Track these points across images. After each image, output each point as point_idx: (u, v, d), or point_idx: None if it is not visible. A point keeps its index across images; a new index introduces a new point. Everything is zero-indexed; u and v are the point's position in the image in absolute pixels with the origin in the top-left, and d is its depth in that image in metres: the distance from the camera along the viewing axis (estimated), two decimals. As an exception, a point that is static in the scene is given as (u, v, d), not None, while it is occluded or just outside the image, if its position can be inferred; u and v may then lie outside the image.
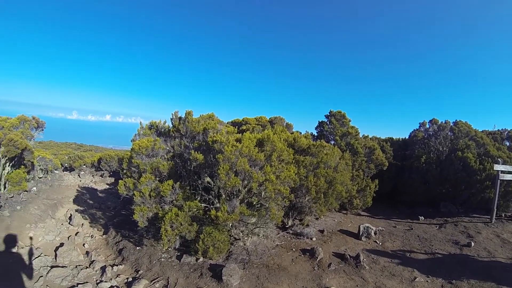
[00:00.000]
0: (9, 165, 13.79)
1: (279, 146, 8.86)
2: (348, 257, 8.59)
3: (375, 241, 9.99)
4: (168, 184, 8.51)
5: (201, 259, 8.43)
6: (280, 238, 9.77)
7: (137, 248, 9.36)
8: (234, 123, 17.89)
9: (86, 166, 24.29)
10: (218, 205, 8.54)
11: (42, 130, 16.24)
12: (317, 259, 8.54)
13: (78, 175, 21.39)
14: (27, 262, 8.91)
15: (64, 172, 22.30)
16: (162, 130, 11.65)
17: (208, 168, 8.90)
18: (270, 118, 18.16)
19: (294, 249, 9.14)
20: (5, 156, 13.27)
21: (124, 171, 10.39)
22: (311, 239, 9.79)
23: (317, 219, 11.41)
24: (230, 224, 8.39)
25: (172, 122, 11.60)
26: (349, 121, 17.11)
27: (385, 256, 8.93)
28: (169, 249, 8.76)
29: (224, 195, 8.58)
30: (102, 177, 21.02)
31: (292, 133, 13.33)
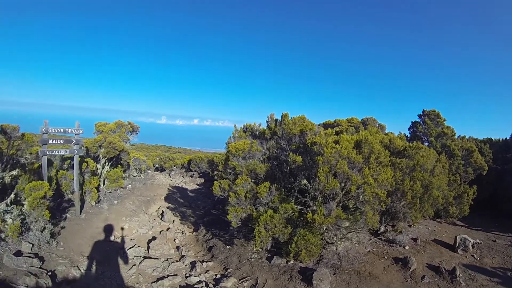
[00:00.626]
0: (108, 165, 14.89)
1: (376, 148, 8.47)
2: (443, 270, 7.82)
3: (472, 255, 8.92)
4: (265, 186, 8.45)
5: (292, 261, 8.29)
6: (372, 244, 9.32)
7: (227, 247, 9.47)
8: (325, 125, 17.56)
9: (176, 167, 25.23)
10: (314, 207, 8.32)
11: (137, 133, 17.26)
12: (410, 270, 7.94)
13: (169, 175, 22.30)
14: (122, 251, 9.52)
15: (155, 172, 23.37)
16: (257, 132, 11.69)
17: (305, 170, 8.71)
18: (362, 119, 17.55)
19: (386, 257, 8.63)
20: (105, 157, 14.37)
21: (219, 172, 10.56)
22: (404, 247, 9.21)
23: (410, 226, 10.74)
24: (325, 228, 8.16)
25: (268, 124, 11.62)
26: (444, 120, 15.65)
27: (483, 273, 7.96)
28: (260, 249, 8.71)
29: (320, 198, 8.37)
30: (192, 177, 21.70)
31: (386, 134, 12.74)
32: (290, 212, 8.36)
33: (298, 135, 9.77)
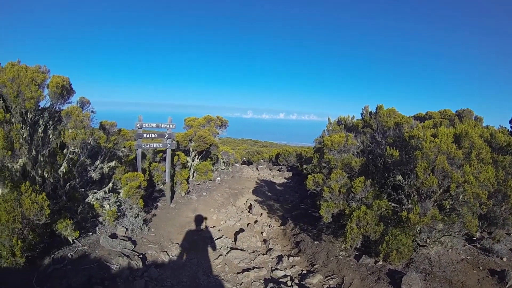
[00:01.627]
0: (198, 158, 15.40)
1: (478, 143, 7.75)
2: (548, 291, 6.79)
3: None
4: (360, 181, 8.09)
5: (381, 262, 7.79)
6: (466, 251, 8.38)
7: (315, 242, 9.24)
8: (417, 118, 16.55)
9: (264, 161, 25.44)
10: (409, 206, 7.82)
11: (225, 128, 17.62)
12: (507, 285, 7.04)
13: (257, 169, 22.51)
14: (210, 240, 9.77)
15: (243, 165, 23.76)
16: (350, 125, 11.43)
17: (401, 165, 8.22)
18: (457, 111, 16.27)
19: (481, 268, 7.63)
20: (195, 150, 14.90)
21: (313, 166, 10.43)
22: (502, 258, 8.12)
23: (508, 234, 9.62)
24: (418, 228, 7.65)
25: (362, 117, 11.30)
26: (558, 111, 13.73)
27: None
28: (348, 247, 8.31)
29: (415, 196, 7.81)
30: (279, 171, 21.70)
31: (486, 127, 11.59)
32: (384, 209, 7.90)
33: (393, 128, 9.28)
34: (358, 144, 9.90)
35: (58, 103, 7.81)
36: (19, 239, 6.00)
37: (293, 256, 8.84)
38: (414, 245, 7.71)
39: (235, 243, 9.81)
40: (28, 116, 7.38)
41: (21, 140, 6.25)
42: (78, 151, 8.00)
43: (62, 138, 8.32)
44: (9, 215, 5.81)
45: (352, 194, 8.34)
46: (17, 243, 5.95)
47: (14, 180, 6.28)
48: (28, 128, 7.32)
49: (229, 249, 9.29)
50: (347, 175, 8.81)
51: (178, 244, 9.22)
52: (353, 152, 9.75)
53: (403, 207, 7.90)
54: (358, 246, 8.02)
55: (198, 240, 9.84)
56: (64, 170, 8.09)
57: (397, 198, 8.34)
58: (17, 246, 5.97)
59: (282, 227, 11.12)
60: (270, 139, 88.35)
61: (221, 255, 9.02)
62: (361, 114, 11.44)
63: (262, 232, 10.73)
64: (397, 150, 8.12)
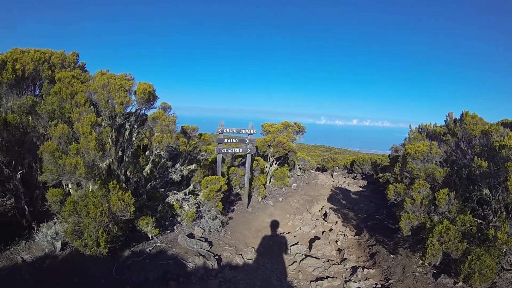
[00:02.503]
0: (275, 163, 15.37)
1: None
2: None
3: None
4: (444, 193, 7.52)
5: (460, 283, 7.03)
6: None
7: (391, 255, 8.71)
8: (504, 124, 15.30)
9: (339, 168, 24.97)
10: (496, 223, 7.19)
11: (302, 134, 17.47)
12: None
13: (331, 176, 22.13)
14: (284, 246, 9.63)
15: (317, 172, 23.49)
16: (432, 133, 10.91)
17: (489, 178, 7.46)
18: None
19: None
20: (273, 156, 14.86)
21: (395, 175, 10.08)
22: None
23: None
24: (504, 249, 7.00)
25: (446, 124, 10.76)
26: None
27: None
28: (426, 264, 7.66)
29: (503, 212, 7.08)
30: (354, 179, 21.18)
31: None
32: (468, 225, 7.17)
33: (479, 136, 8.54)
34: (441, 153, 9.35)
35: (143, 108, 8.21)
36: (104, 231, 6.37)
37: (367, 268, 8.46)
38: (498, 267, 7.04)
39: (310, 251, 9.58)
40: (117, 120, 7.85)
41: (110, 142, 6.69)
42: (162, 154, 8.36)
43: (145, 141, 8.78)
44: (97, 209, 6.18)
45: (434, 207, 7.82)
46: (102, 235, 6.32)
47: (102, 178, 6.68)
48: (115, 131, 7.82)
49: (303, 256, 9.09)
50: (429, 186, 8.25)
51: (253, 248, 9.20)
52: (436, 162, 9.17)
53: (489, 224, 7.27)
54: (437, 264, 7.40)
55: (273, 245, 9.74)
56: (148, 171, 8.52)
57: (482, 214, 7.75)
58: (102, 237, 6.34)
59: (357, 237, 10.72)
60: (343, 145, 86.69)
61: (296, 261, 8.85)
62: (445, 121, 10.82)
63: (336, 241, 10.38)
64: (485, 161, 7.48)
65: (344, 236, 10.82)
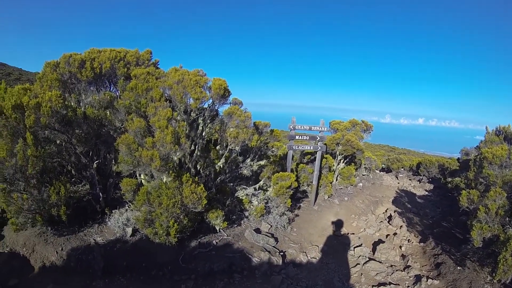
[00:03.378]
0: (342, 162, 14.99)
1: None
2: None
3: None
4: None
5: None
6: None
7: (457, 267, 8.05)
8: None
9: (404, 169, 24.00)
10: None
11: (370, 132, 16.81)
12: None
13: (396, 177, 21.28)
14: (348, 247, 9.35)
15: (381, 172, 22.77)
16: (511, 136, 10.27)
17: None
18: None
19: None
20: (342, 154, 14.42)
21: (469, 181, 9.53)
22: None
23: None
24: None
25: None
26: None
27: None
28: (494, 281, 6.98)
29: None
30: (420, 182, 20.25)
31: None
32: None
33: None
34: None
35: (217, 104, 8.34)
36: (175, 222, 6.49)
37: (432, 279, 7.94)
38: None
39: (373, 254, 9.21)
40: (191, 114, 8.04)
41: (184, 136, 6.88)
42: (237, 149, 8.46)
43: (215, 135, 8.94)
44: (169, 201, 6.32)
45: (510, 219, 7.16)
46: (173, 225, 6.44)
47: (176, 170, 6.89)
48: (188, 125, 8.02)
49: (367, 259, 8.77)
50: (506, 195, 7.48)
51: (318, 246, 9.02)
52: (516, 169, 8.47)
53: None
54: (507, 282, 6.77)
55: (337, 245, 9.50)
56: (221, 165, 8.66)
57: None
58: (173, 227, 6.47)
59: (421, 244, 10.19)
60: (407, 146, 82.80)
61: (359, 264, 8.57)
62: (522, 123, 10.15)
63: (401, 246, 9.88)
64: None
65: (408, 241, 10.35)
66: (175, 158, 6.94)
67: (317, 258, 8.57)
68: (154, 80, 7.84)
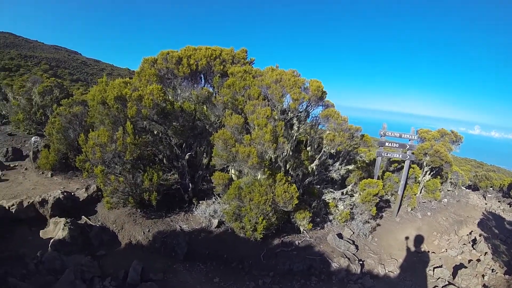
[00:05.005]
0: (428, 174, 14.31)
1: None
2: None
3: None
4: None
5: None
6: None
7: None
8: None
9: (493, 189, 22.48)
10: None
11: (459, 144, 15.80)
12: None
13: (484, 197, 20.03)
14: (427, 266, 9.02)
15: (467, 190, 21.48)
16: None
17: None
18: None
19: None
20: (429, 165, 13.75)
21: None
22: None
23: None
24: None
25: None
26: None
27: None
28: None
29: None
30: (511, 206, 19.17)
31: None
32: None
33: None
34: None
35: (313, 105, 8.44)
36: (264, 219, 6.81)
37: None
38: None
39: (453, 278, 8.67)
40: (289, 114, 8.23)
41: (281, 135, 7.07)
42: (332, 152, 8.54)
43: (304, 137, 9.07)
44: (261, 198, 6.54)
45: None
46: (261, 221, 6.73)
47: (271, 168, 7.11)
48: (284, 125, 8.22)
49: (446, 282, 8.32)
50: None
51: (396, 260, 8.78)
52: None
53: None
54: None
55: (417, 262, 9.14)
56: (314, 167, 8.81)
57: None
58: (261, 224, 6.71)
59: (507, 276, 9.46)
60: (498, 162, 74.85)
61: (437, 286, 8.19)
62: None
63: (483, 275, 9.29)
64: None
65: (492, 271, 9.70)
66: (272, 157, 7.15)
67: (395, 272, 8.36)
68: (251, 79, 8.12)
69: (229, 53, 9.63)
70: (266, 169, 6.70)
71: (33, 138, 12.88)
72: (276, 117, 7.47)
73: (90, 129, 8.06)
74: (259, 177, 6.89)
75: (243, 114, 7.40)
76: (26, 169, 11.87)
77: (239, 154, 6.42)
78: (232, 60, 9.64)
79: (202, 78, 9.77)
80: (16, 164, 12.24)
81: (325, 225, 8.78)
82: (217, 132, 6.97)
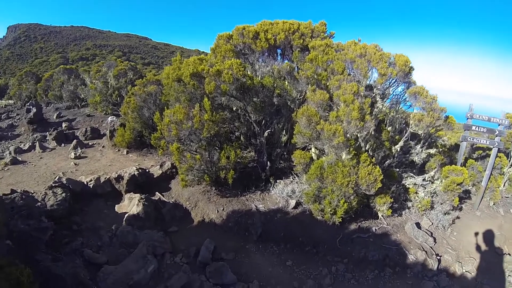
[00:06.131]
0: (517, 166, 13.15)
1: None
2: None
3: None
4: None
5: None
6: None
7: None
8: None
9: None
10: None
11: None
12: None
13: None
14: (507, 271, 8.23)
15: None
16: None
17: None
18: None
19: None
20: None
21: None
22: None
23: None
24: None
25: None
26: None
27: None
28: None
29: None
30: None
31: None
32: None
33: None
34: None
35: (400, 82, 7.91)
36: (345, 202, 6.41)
37: None
38: None
39: None
40: (374, 91, 7.73)
41: (368, 113, 6.60)
42: (420, 134, 7.99)
43: (381, 115, 8.53)
44: (344, 179, 6.12)
45: None
46: (342, 205, 6.35)
47: (356, 148, 6.70)
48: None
49: None
50: None
51: (475, 259, 7.89)
52: None
53: None
54: None
55: (497, 264, 8.14)
56: (398, 149, 8.25)
57: None
58: (342, 207, 6.33)
59: None
60: None
61: None
62: None
63: None
64: None
65: None
66: (359, 135, 6.69)
67: (472, 273, 7.53)
68: (334, 53, 7.68)
69: (308, 27, 9.21)
70: (351, 149, 6.27)
71: (109, 117, 13.41)
72: (362, 94, 7.02)
73: (165, 108, 8.00)
74: (343, 157, 6.47)
75: (326, 89, 7.01)
76: (103, 146, 12.33)
77: (324, 132, 6.07)
78: (312, 34, 9.23)
79: (278, 53, 9.45)
80: (94, 143, 12.86)
81: (403, 213, 8.18)
82: (299, 108, 6.65)
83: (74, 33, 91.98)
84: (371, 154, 7.99)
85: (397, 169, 8.53)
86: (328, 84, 6.98)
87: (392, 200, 7.22)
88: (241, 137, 8.49)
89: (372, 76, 7.52)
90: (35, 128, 15.19)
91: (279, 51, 9.53)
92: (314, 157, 7.37)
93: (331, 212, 6.50)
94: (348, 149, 6.27)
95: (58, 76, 21.82)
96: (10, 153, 11.34)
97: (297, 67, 8.50)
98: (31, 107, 16.10)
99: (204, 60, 8.07)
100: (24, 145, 12.53)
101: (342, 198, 6.31)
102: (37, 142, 12.58)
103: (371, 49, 7.50)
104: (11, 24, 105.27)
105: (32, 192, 7.79)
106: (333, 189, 6.31)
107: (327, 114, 6.35)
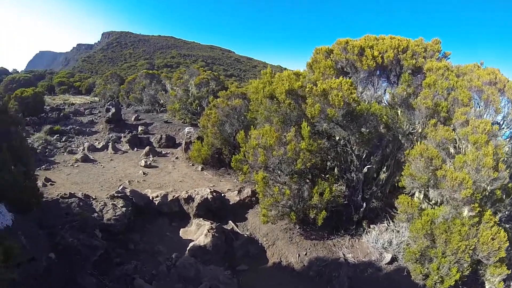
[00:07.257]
0: None
1: None
2: None
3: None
4: None
5: None
6: None
7: None
8: None
9: None
10: None
11: None
12: None
13: None
14: None
15: None
16: None
17: None
18: None
19: None
20: None
21: None
22: None
23: None
24: None
25: None
26: None
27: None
28: None
29: None
30: None
31: None
32: None
33: None
34: None
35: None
36: (458, 270, 5.23)
37: None
38: None
39: None
40: (504, 129, 6.64)
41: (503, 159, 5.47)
42: None
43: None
44: (461, 242, 4.99)
45: None
46: (455, 274, 5.16)
47: (480, 205, 5.50)
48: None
49: None
50: None
51: None
52: None
53: None
54: None
55: None
56: None
57: None
58: (453, 276, 5.18)
59: None
60: None
61: None
62: None
63: None
64: None
65: None
66: (488, 188, 5.42)
67: None
68: (455, 78, 6.50)
69: (420, 44, 7.89)
70: (476, 205, 5.06)
71: (186, 128, 13.32)
72: (495, 134, 5.81)
73: (251, 126, 7.39)
74: (464, 214, 5.26)
75: (445, 124, 5.92)
76: (176, 158, 12.19)
77: (446, 180, 5.00)
78: (424, 54, 8.03)
79: (386, 75, 8.34)
80: (168, 152, 12.85)
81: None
82: (410, 144, 5.64)
83: (161, 42, 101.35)
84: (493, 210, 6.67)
85: (507, 225, 6.98)
86: (451, 117, 5.87)
87: (509, 272, 5.78)
88: (335, 170, 7.58)
89: (504, 110, 6.32)
90: (112, 127, 16.06)
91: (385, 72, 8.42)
92: (424, 206, 6.20)
93: (438, 280, 5.35)
94: (472, 204, 5.07)
95: (141, 79, 23.19)
96: (83, 150, 12.07)
97: (415, 93, 7.33)
98: (110, 106, 17.09)
99: (301, 76, 7.33)
100: (98, 143, 13.30)
101: (454, 266, 5.14)
102: (111, 142, 13.17)
103: (501, 75, 6.32)
104: (105, 31, 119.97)
105: (93, 197, 7.72)
106: (445, 252, 5.18)
107: (451, 157, 5.27)
